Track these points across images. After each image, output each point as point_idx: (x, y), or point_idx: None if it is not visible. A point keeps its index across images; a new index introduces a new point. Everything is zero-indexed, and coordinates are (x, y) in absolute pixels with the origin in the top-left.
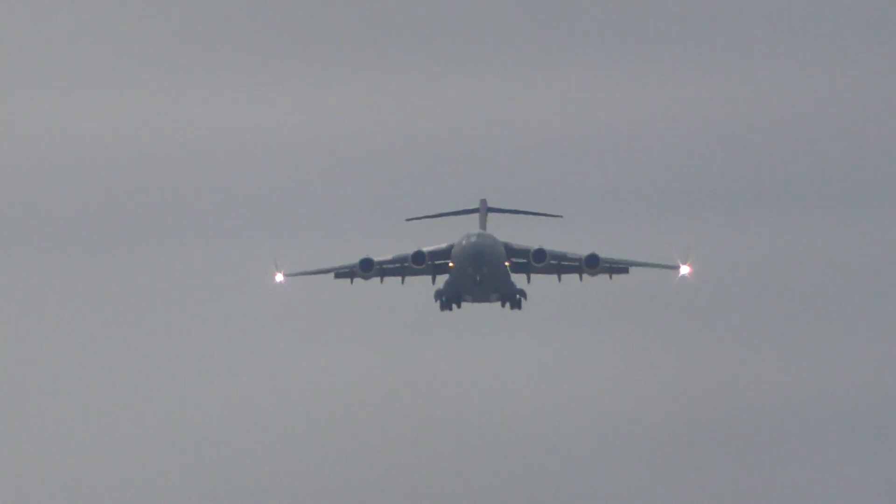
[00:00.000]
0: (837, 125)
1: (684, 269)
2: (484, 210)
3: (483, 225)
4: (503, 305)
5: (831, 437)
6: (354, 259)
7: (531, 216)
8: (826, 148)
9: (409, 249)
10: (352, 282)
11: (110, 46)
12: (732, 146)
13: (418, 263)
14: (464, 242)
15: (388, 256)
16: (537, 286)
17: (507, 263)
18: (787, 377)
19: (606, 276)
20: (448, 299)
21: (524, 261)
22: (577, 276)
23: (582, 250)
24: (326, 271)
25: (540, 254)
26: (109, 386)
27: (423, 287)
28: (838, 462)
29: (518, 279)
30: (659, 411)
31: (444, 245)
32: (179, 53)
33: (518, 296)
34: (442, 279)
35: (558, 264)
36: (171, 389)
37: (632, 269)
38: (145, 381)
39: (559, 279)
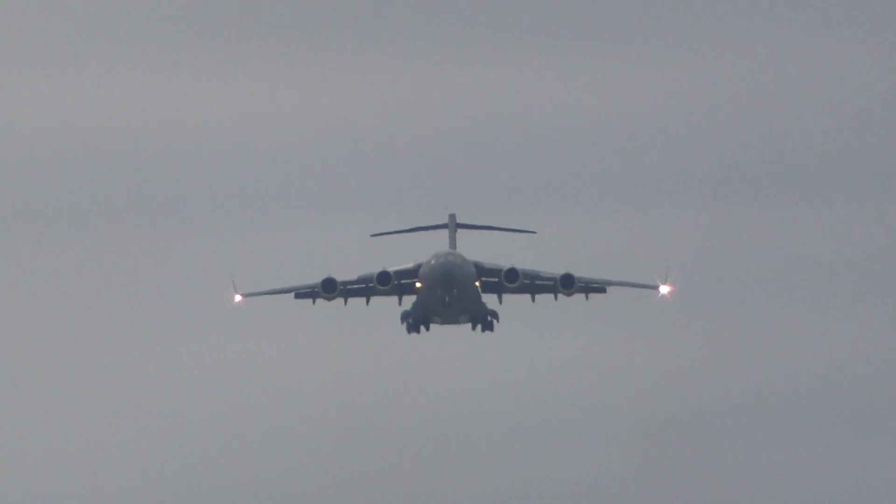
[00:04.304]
0: (809, 122)
1: (664, 289)
2: (453, 226)
3: (452, 242)
4: (474, 328)
5: (807, 439)
6: (316, 278)
7: (503, 232)
8: (803, 147)
9: (374, 268)
10: (314, 302)
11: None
12: (711, 155)
13: (384, 284)
14: (432, 262)
15: (353, 276)
16: (510, 307)
17: (477, 283)
18: (773, 395)
19: (583, 296)
20: (415, 321)
21: (496, 280)
22: (551, 295)
23: (557, 268)
24: (286, 291)
25: (512, 273)
26: (49, 410)
27: (390, 308)
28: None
29: (489, 300)
30: (641, 437)
31: (410, 265)
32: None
33: (489, 317)
34: (409, 300)
35: (532, 284)
36: (126, 417)
37: (609, 289)
38: (93, 410)
39: (533, 299)
